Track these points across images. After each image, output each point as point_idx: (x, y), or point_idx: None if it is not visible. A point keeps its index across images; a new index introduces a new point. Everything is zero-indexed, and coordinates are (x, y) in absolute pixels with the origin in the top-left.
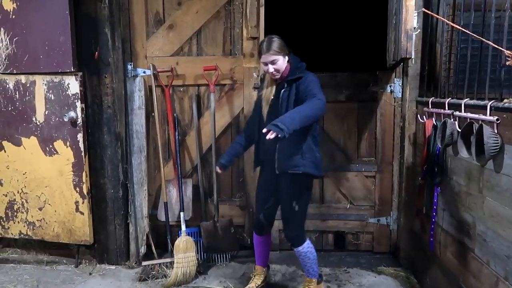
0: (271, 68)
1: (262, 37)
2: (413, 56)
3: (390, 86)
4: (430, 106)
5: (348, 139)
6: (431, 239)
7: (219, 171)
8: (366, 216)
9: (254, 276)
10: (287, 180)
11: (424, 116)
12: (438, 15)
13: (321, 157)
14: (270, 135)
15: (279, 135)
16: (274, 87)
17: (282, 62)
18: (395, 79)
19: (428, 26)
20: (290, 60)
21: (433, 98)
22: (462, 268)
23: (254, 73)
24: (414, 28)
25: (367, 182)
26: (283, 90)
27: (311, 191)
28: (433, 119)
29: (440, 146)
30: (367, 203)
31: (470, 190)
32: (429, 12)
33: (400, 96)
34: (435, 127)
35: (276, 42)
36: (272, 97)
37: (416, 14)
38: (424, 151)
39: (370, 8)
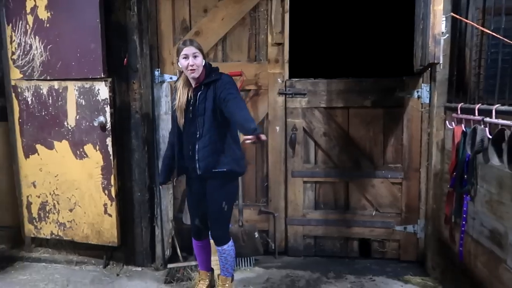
0: (191, 61)
1: (287, 43)
2: (441, 61)
3: (417, 92)
4: (459, 112)
5: (373, 145)
6: (461, 249)
7: (161, 187)
8: (392, 223)
9: (199, 281)
10: (213, 180)
11: (452, 122)
12: (467, 19)
13: (242, 154)
14: (253, 139)
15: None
16: (188, 93)
17: (201, 61)
18: (422, 84)
19: (456, 30)
20: (205, 64)
21: (462, 104)
22: (493, 279)
23: (278, 79)
24: (442, 33)
25: (393, 189)
26: (200, 93)
27: (237, 189)
28: (463, 125)
29: (469, 153)
30: (394, 211)
31: (502, 199)
32: (458, 17)
33: (428, 102)
34: (464, 134)
35: (197, 41)
36: (187, 103)
37: (444, 18)
38: (453, 158)
39: (395, 13)
